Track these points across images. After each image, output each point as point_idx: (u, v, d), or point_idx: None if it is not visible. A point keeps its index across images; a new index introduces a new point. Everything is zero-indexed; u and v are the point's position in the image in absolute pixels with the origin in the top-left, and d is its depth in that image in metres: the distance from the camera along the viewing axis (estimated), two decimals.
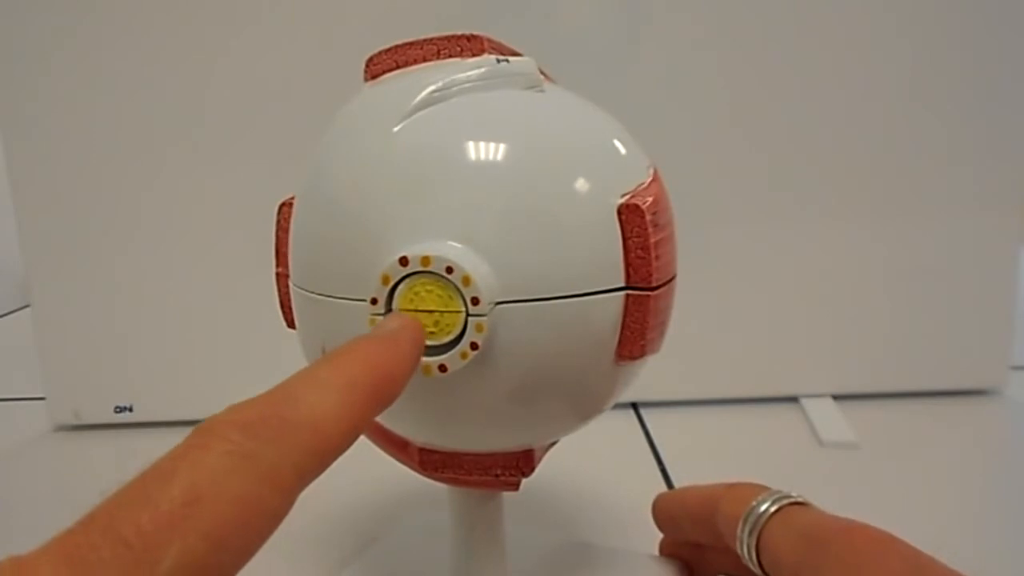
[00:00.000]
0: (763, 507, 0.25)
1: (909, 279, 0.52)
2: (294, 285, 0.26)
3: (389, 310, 0.22)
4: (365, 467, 0.44)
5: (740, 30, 0.49)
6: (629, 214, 0.23)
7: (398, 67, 0.26)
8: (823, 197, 0.51)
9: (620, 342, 0.24)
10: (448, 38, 0.25)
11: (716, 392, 0.54)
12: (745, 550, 0.25)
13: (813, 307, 0.53)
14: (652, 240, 0.23)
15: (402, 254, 0.21)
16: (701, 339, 0.52)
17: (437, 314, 0.21)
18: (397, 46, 0.26)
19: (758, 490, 0.26)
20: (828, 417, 0.51)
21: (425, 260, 0.21)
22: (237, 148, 0.51)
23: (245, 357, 0.52)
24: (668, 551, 0.33)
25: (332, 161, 0.25)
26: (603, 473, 0.44)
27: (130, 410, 0.54)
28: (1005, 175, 0.51)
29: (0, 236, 0.61)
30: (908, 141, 0.51)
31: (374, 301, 0.22)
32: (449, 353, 0.21)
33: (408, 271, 0.21)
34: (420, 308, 0.21)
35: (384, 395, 0.18)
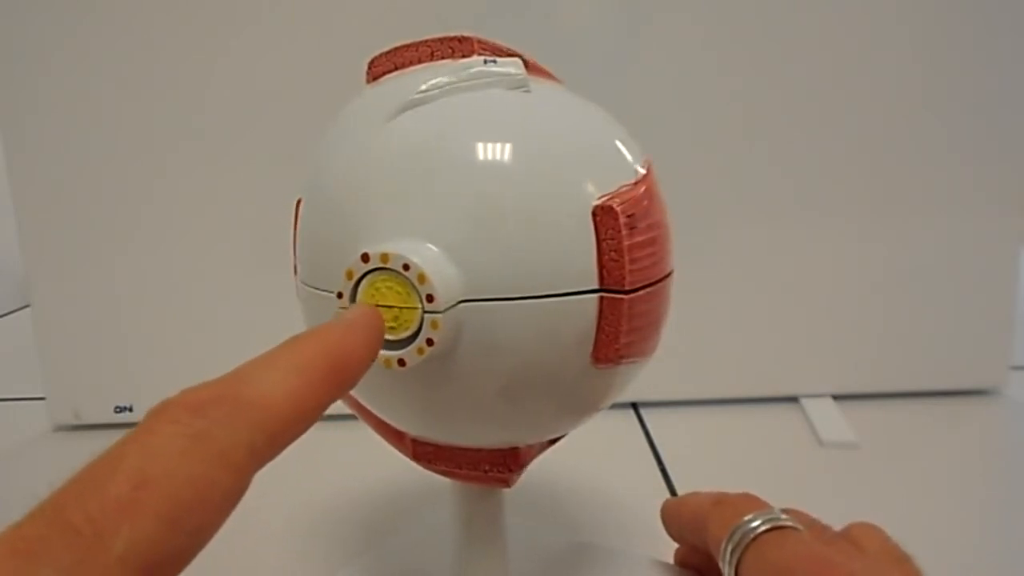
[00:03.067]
0: (740, 535, 0.25)
1: (909, 279, 0.52)
2: (297, 277, 0.28)
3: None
4: (366, 464, 0.45)
5: (741, 30, 0.49)
6: (603, 216, 0.23)
7: (396, 68, 0.27)
8: (823, 197, 0.51)
9: (595, 345, 0.24)
10: (441, 40, 0.26)
11: (716, 392, 0.54)
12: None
13: (813, 307, 0.53)
14: (626, 243, 0.23)
15: (364, 251, 0.22)
16: (701, 339, 0.52)
17: (396, 310, 0.22)
18: (396, 48, 0.27)
19: (743, 508, 0.26)
20: (828, 417, 0.51)
21: (384, 257, 0.22)
22: (238, 148, 0.51)
23: (244, 357, 0.52)
24: (681, 559, 0.32)
25: (323, 160, 0.26)
26: (603, 473, 0.44)
27: (130, 410, 0.54)
28: (1005, 175, 0.51)
29: (0, 236, 0.61)
30: (908, 141, 0.51)
31: (339, 295, 0.23)
32: (407, 348, 0.22)
33: (369, 267, 0.22)
34: (381, 303, 0.22)
35: (340, 379, 0.18)
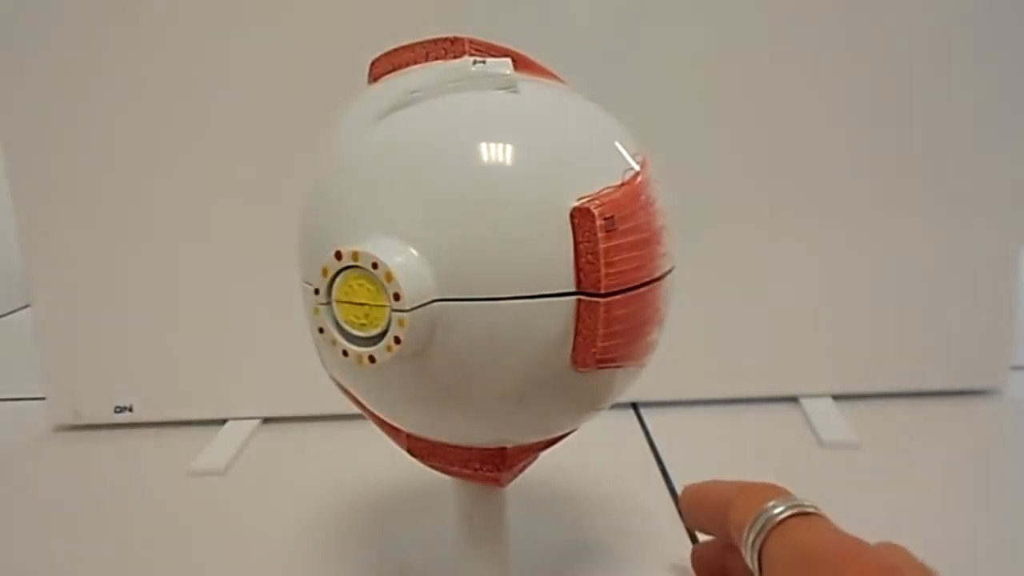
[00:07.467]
0: (765, 519, 0.25)
1: (909, 279, 0.52)
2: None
3: (328, 301, 0.23)
4: (366, 464, 0.45)
5: (743, 29, 0.49)
6: (580, 218, 0.23)
7: (395, 69, 0.27)
8: (824, 197, 0.51)
9: (573, 348, 0.24)
10: (435, 41, 0.26)
11: (716, 392, 0.54)
12: (750, 561, 0.25)
13: (813, 307, 0.53)
14: (602, 245, 0.23)
15: (337, 248, 0.22)
16: (701, 339, 0.52)
17: (367, 307, 0.22)
18: (395, 50, 0.27)
19: (767, 495, 0.26)
20: (828, 417, 0.51)
21: (355, 255, 0.22)
22: (238, 149, 0.51)
23: (245, 357, 0.52)
24: (699, 559, 0.32)
25: (318, 160, 0.27)
26: (603, 473, 0.44)
27: (130, 410, 0.54)
28: (1005, 175, 0.51)
29: (0, 236, 0.61)
30: (908, 141, 0.50)
31: (316, 291, 0.23)
32: (378, 345, 0.22)
33: (342, 265, 0.22)
34: (353, 300, 0.22)
35: None
